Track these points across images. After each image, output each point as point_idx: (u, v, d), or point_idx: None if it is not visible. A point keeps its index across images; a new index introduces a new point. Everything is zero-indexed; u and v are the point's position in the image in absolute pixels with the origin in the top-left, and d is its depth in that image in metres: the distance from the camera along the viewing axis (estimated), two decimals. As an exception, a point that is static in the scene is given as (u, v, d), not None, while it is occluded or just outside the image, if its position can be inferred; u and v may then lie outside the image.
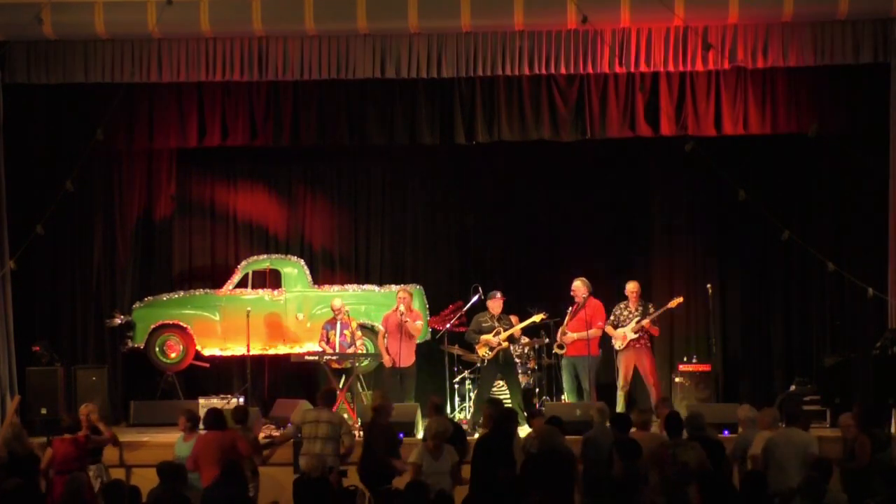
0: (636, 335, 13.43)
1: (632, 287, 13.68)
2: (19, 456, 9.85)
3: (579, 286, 13.64)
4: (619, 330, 13.53)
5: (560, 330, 13.64)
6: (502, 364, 13.28)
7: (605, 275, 14.83)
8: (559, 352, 13.68)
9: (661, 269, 15.14)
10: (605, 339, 13.78)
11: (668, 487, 8.59)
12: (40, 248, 14.04)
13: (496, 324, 13.31)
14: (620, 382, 13.52)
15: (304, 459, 9.91)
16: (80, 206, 14.64)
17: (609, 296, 14.20)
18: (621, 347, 13.52)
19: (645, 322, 13.37)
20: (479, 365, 13.46)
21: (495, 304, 13.43)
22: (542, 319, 13.50)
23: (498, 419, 9.60)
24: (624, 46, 13.04)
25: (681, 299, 13.64)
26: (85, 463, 10.40)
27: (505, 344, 13.24)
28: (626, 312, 13.59)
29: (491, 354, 13.24)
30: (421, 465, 9.43)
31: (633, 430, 9.77)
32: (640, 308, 13.54)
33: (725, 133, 13.40)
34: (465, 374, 13.76)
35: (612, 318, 13.64)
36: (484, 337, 13.25)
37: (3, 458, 9.88)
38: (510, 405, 12.36)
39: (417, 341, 13.93)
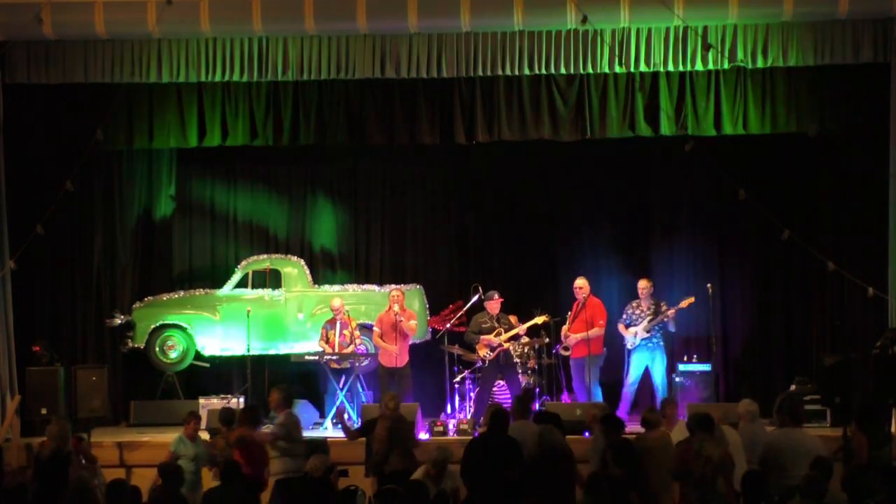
0: (648, 334, 13.41)
1: (643, 285, 13.65)
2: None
3: (584, 284, 13.61)
4: (632, 328, 13.50)
5: (563, 331, 13.61)
6: (503, 364, 13.28)
7: (605, 275, 14.85)
8: (564, 353, 13.67)
9: (662, 269, 15.13)
10: (611, 338, 13.76)
11: (698, 483, 8.59)
12: (40, 248, 14.04)
13: (496, 324, 13.32)
14: (629, 380, 13.48)
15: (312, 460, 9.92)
16: (80, 206, 14.65)
17: (609, 296, 14.21)
18: (633, 346, 13.49)
19: (657, 321, 13.31)
20: (479, 365, 13.46)
21: (493, 304, 13.44)
22: (545, 321, 13.50)
23: (491, 418, 9.56)
24: (624, 46, 13.04)
25: (692, 299, 13.56)
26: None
27: (506, 345, 13.24)
28: (637, 311, 13.56)
29: (492, 355, 13.25)
30: None
31: (645, 429, 9.80)
32: (653, 306, 13.51)
33: (725, 133, 13.40)
34: (465, 373, 13.75)
35: (624, 316, 13.62)
36: (484, 337, 13.25)
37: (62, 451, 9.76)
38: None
39: (416, 340, 13.93)
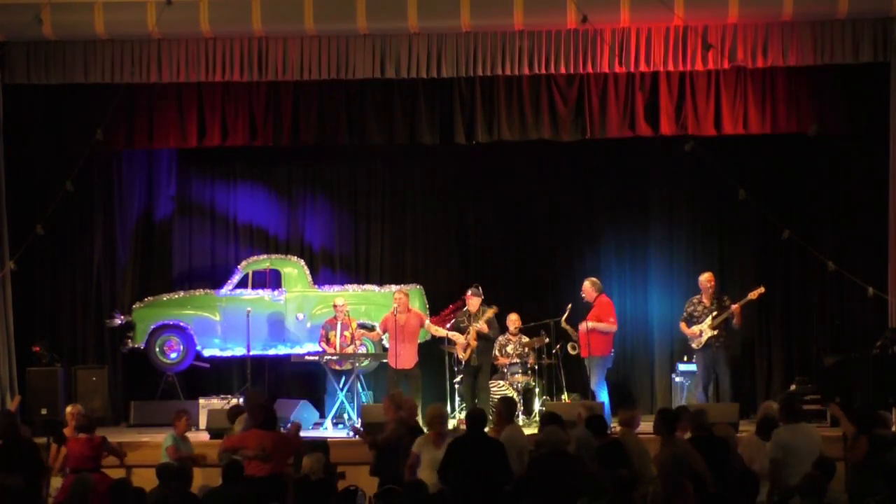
0: (715, 332, 13.08)
1: (705, 278, 13.29)
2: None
3: (587, 287, 13.51)
4: (695, 327, 13.18)
5: (562, 321, 13.53)
6: (474, 365, 13.27)
7: (605, 274, 14.82)
8: (572, 352, 13.63)
9: (661, 269, 15.14)
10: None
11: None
12: (40, 248, 14.06)
13: (469, 322, 13.30)
14: (701, 386, 13.18)
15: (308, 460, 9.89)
16: (80, 206, 14.64)
17: (609, 295, 14.16)
18: (699, 346, 13.21)
19: (724, 316, 12.99)
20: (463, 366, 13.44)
21: (471, 301, 13.38)
22: (495, 312, 13.33)
23: (467, 419, 9.48)
24: (624, 46, 13.05)
25: (762, 289, 13.21)
26: (98, 463, 10.41)
27: (473, 343, 13.17)
28: (700, 307, 13.25)
29: (466, 355, 13.22)
30: (419, 455, 9.32)
31: (618, 429, 9.82)
32: (716, 301, 13.23)
33: (725, 133, 13.40)
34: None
35: (685, 314, 13.36)
36: (457, 339, 13.21)
37: None
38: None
39: (418, 341, 13.91)
